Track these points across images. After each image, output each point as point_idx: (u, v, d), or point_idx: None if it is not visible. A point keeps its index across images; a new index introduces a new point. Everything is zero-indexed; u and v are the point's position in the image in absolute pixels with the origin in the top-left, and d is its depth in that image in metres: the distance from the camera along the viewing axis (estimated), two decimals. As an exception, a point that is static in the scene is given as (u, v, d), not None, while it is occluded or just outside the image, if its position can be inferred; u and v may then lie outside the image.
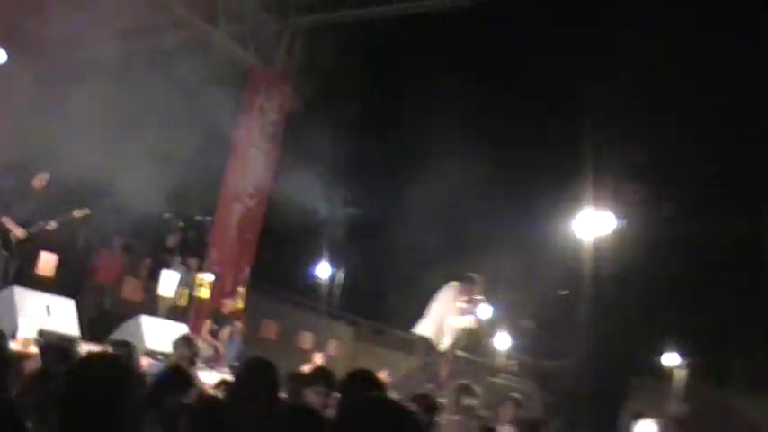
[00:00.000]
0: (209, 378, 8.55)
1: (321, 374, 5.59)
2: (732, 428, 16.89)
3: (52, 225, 10.40)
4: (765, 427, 17.10)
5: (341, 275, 26.16)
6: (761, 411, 17.63)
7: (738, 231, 18.71)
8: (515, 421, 7.22)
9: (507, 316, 21.57)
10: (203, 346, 11.74)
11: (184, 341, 8.69)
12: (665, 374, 20.17)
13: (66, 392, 2.90)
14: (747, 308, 19.71)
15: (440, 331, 10.94)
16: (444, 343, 10.99)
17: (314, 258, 25.54)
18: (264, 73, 15.10)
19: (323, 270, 26.00)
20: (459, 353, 12.16)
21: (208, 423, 3.92)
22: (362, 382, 4.84)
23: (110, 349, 6.97)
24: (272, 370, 4.64)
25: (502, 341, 22.99)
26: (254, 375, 4.60)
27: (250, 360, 4.93)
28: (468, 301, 11.00)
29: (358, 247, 22.88)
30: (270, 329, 16.71)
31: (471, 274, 11.05)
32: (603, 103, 15.57)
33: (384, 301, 21.52)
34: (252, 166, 15.00)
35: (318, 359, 14.88)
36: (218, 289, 13.87)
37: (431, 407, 6.16)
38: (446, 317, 10.93)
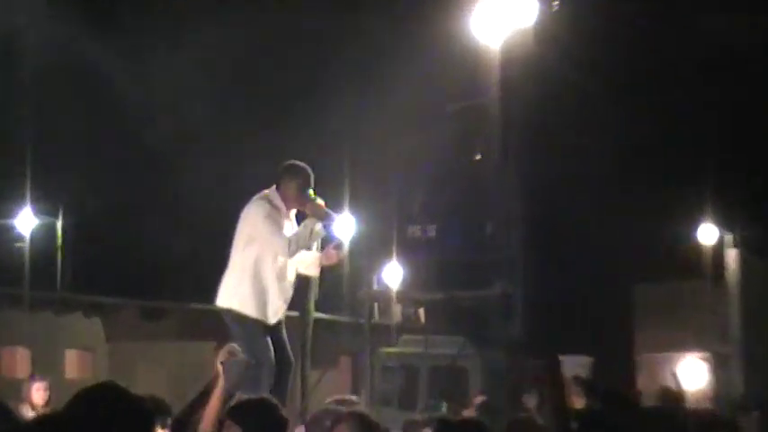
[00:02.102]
0: None
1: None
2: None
3: None
4: None
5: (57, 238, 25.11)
6: None
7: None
8: None
9: (386, 224, 21.98)
10: None
11: None
12: (693, 263, 19.57)
13: None
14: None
15: (262, 289, 10.12)
16: (275, 308, 10.06)
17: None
18: None
19: (25, 224, 23.70)
20: (314, 314, 12.78)
21: None
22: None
23: None
24: None
25: (390, 272, 22.14)
26: None
27: None
28: (307, 217, 10.11)
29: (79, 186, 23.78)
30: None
31: (296, 164, 10.18)
32: None
33: (146, 262, 23.29)
34: None
35: (37, 395, 13.13)
36: None
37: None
38: (270, 257, 10.16)
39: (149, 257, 24.06)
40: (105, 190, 24.80)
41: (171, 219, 23.79)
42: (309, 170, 10.29)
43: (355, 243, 20.94)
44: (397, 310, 23.83)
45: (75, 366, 21.95)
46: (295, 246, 10.17)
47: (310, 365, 12.65)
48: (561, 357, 9.48)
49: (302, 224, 10.31)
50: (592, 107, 20.90)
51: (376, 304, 23.59)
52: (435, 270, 21.81)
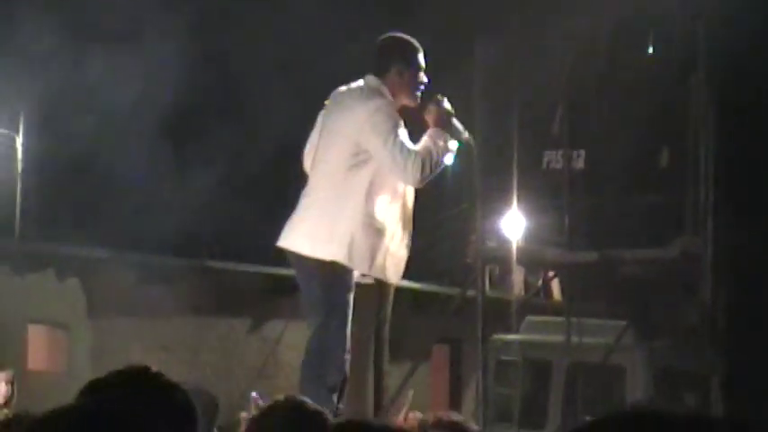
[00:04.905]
0: None
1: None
2: None
3: None
4: None
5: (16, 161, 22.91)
6: None
7: None
8: None
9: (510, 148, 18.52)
10: None
11: None
12: None
13: None
14: None
15: (382, 235, 9.22)
16: (398, 261, 9.29)
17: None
18: None
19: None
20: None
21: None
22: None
23: None
24: None
25: (508, 222, 18.99)
26: None
27: None
28: (433, 117, 9.39)
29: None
30: None
31: (408, 40, 9.50)
32: None
33: (150, 198, 20.34)
34: None
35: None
36: None
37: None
38: (390, 183, 9.32)
39: (154, 192, 20.71)
40: (89, 92, 20.02)
41: (194, 130, 20.53)
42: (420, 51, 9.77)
43: (461, 177, 17.57)
44: (518, 280, 20.95)
45: (42, 352, 19.23)
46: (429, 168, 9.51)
47: (388, 357, 10.33)
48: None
49: (424, 138, 9.49)
50: None
51: (487, 269, 20.37)
52: (583, 219, 18.19)
